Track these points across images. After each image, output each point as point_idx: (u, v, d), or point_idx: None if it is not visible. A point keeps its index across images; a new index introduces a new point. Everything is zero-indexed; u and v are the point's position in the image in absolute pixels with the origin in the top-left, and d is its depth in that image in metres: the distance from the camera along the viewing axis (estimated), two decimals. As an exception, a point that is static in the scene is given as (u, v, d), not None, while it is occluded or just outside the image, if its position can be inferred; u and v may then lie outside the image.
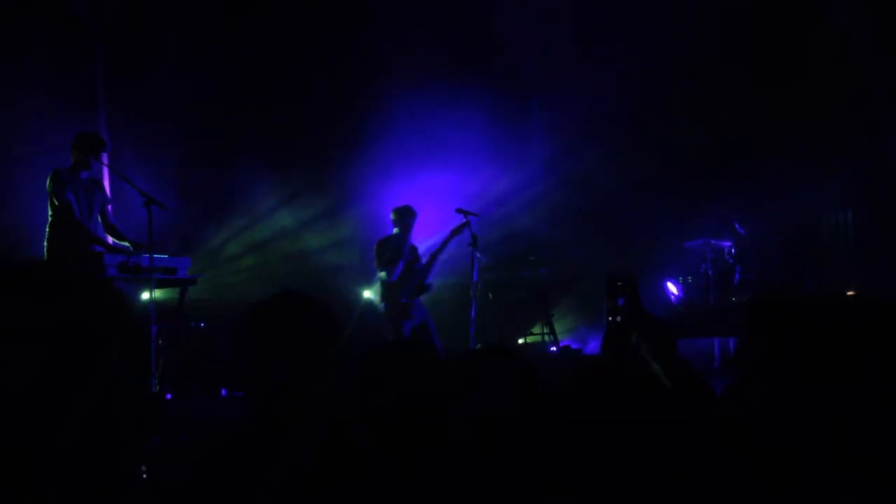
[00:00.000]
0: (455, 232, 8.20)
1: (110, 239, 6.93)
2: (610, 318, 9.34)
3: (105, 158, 6.75)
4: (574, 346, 10.09)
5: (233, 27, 9.79)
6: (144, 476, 4.20)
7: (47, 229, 6.60)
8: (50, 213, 6.60)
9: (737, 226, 10.00)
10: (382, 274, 8.20)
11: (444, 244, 8.27)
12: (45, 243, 6.59)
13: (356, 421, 1.91)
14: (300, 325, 1.97)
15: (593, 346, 9.87)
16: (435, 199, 10.31)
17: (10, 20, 8.43)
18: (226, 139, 9.99)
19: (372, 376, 2.20)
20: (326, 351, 1.96)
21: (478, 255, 8.43)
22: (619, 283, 9.20)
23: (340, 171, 10.56)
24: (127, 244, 6.78)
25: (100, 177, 7.07)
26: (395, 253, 8.18)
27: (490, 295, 9.84)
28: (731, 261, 9.96)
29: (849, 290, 9.64)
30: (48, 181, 6.57)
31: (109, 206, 6.97)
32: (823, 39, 10.29)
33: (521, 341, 10.16)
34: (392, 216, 8.38)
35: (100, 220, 6.89)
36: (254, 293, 8.34)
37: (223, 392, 6.93)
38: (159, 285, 6.73)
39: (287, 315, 1.99)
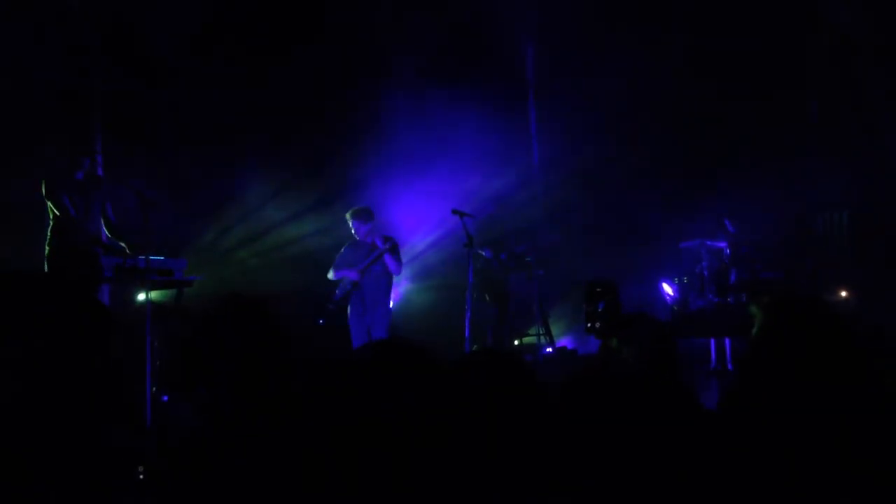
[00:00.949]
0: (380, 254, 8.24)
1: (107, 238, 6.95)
2: (588, 325, 9.42)
3: (98, 157, 6.74)
4: (570, 347, 10.10)
5: (230, 26, 9.77)
6: (141, 476, 4.19)
7: (48, 233, 6.62)
8: (49, 217, 6.62)
9: (727, 223, 10.01)
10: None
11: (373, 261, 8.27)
12: (46, 247, 6.61)
13: (354, 421, 1.91)
14: (247, 328, 1.98)
15: (590, 346, 9.87)
16: (432, 198, 10.33)
17: (7, 21, 8.41)
18: (224, 138, 9.96)
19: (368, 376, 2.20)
20: (273, 353, 1.98)
21: (480, 251, 8.45)
22: (599, 289, 9.29)
23: (340, 170, 10.55)
24: (123, 245, 6.78)
25: (96, 173, 7.01)
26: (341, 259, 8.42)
27: (486, 296, 9.86)
28: (726, 261, 9.96)
29: (844, 291, 9.67)
30: (42, 187, 6.59)
31: (109, 205, 6.96)
32: (823, 39, 10.31)
33: (517, 342, 10.16)
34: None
35: (102, 219, 6.91)
36: (252, 292, 8.37)
37: (164, 398, 6.77)
38: (155, 287, 6.73)
39: (233, 319, 2.01)
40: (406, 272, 10.24)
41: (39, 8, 8.80)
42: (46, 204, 6.64)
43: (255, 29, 9.95)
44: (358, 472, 1.70)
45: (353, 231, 8.36)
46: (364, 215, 8.35)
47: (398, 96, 10.36)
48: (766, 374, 2.03)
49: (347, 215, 8.42)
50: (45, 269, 6.57)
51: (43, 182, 6.61)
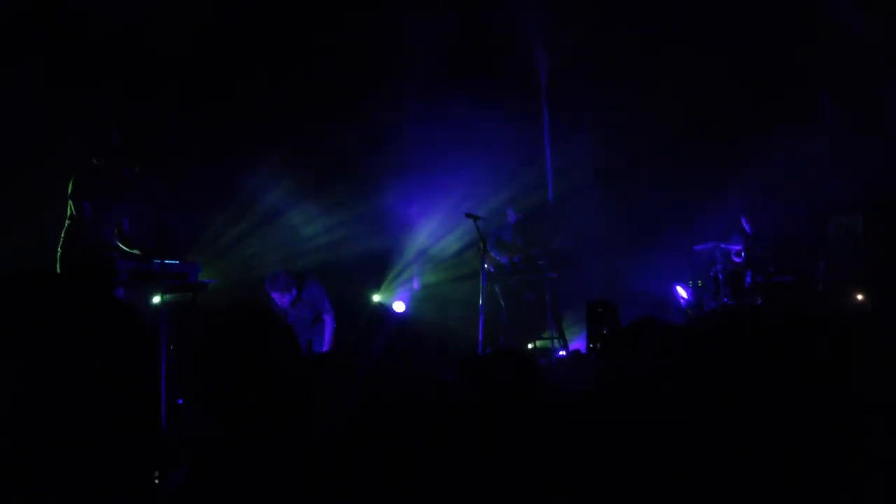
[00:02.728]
0: None
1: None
2: (591, 345, 9.43)
3: (128, 172, 6.75)
4: (584, 350, 10.08)
5: (239, 27, 9.80)
6: (157, 481, 4.21)
7: (62, 233, 6.64)
8: (67, 216, 6.65)
9: (744, 222, 9.99)
10: None
11: None
12: (59, 248, 6.63)
13: (357, 422, 1.94)
14: (256, 336, 2.02)
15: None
16: (445, 201, 10.34)
17: (18, 32, 8.47)
18: (237, 141, 10.00)
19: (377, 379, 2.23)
20: (281, 359, 2.01)
21: (494, 255, 8.45)
22: (600, 310, 9.28)
23: (351, 176, 10.58)
24: (137, 252, 6.82)
25: (124, 186, 7.02)
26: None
27: (500, 299, 9.86)
28: (741, 263, 9.93)
29: (858, 294, 9.62)
30: (69, 185, 6.61)
31: (126, 219, 7.00)
32: (834, 40, 10.28)
33: (530, 346, 10.16)
34: None
35: (116, 229, 6.96)
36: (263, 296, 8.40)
37: (180, 401, 6.79)
38: (170, 291, 6.76)
39: (242, 327, 2.05)
40: (417, 271, 10.27)
41: (50, 17, 8.83)
42: (68, 202, 6.66)
43: (269, 30, 9.98)
44: (363, 471, 1.72)
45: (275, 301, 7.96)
46: (280, 284, 7.92)
47: (413, 100, 10.38)
48: (774, 379, 2.04)
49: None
50: (58, 269, 6.60)
51: (71, 180, 6.64)
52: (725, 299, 9.77)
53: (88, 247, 6.56)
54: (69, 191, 6.60)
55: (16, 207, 8.13)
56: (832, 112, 10.41)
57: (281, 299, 7.91)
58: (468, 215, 8.44)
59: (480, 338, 8.27)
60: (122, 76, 9.28)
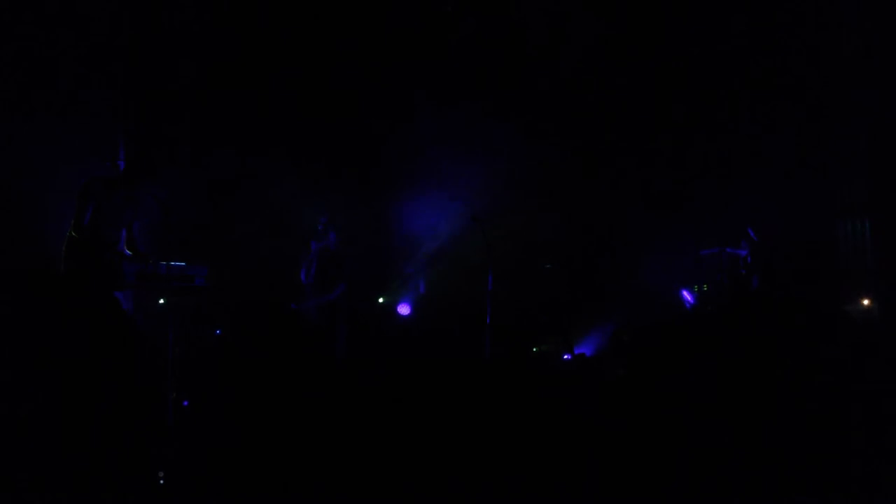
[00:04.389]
0: None
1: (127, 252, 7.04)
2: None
3: (147, 186, 6.76)
4: (588, 354, 10.07)
5: (252, 41, 9.83)
6: (162, 482, 4.22)
7: (66, 235, 6.66)
8: (72, 219, 6.67)
9: (751, 232, 9.98)
10: None
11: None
12: (63, 250, 6.65)
13: (362, 420, 1.94)
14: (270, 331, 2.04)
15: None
16: (452, 205, 10.35)
17: (31, 42, 8.49)
18: (246, 146, 10.02)
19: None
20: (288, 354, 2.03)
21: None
22: (626, 338, 9.24)
23: (356, 180, 10.59)
24: (146, 255, 6.84)
25: (139, 197, 6.99)
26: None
27: (506, 302, 9.85)
28: (747, 268, 9.92)
29: (865, 299, 9.60)
30: (80, 189, 6.64)
31: (136, 224, 7.02)
32: (840, 44, 10.28)
33: (535, 349, 10.15)
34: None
35: (125, 234, 6.98)
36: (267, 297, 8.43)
37: (185, 403, 6.78)
38: (176, 293, 6.76)
39: (260, 322, 2.07)
40: (423, 274, 10.31)
41: (64, 31, 8.84)
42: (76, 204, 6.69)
43: (277, 30, 10.00)
44: (361, 469, 1.73)
45: (327, 240, 8.71)
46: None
47: (424, 101, 10.39)
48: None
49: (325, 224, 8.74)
50: (63, 270, 6.62)
51: (83, 183, 6.66)
52: (731, 304, 9.75)
53: (87, 250, 6.57)
54: (77, 195, 6.63)
55: (26, 209, 8.16)
56: (838, 115, 10.39)
57: (320, 240, 8.75)
58: (475, 219, 8.43)
59: (487, 341, 8.25)
60: (135, 79, 9.32)
